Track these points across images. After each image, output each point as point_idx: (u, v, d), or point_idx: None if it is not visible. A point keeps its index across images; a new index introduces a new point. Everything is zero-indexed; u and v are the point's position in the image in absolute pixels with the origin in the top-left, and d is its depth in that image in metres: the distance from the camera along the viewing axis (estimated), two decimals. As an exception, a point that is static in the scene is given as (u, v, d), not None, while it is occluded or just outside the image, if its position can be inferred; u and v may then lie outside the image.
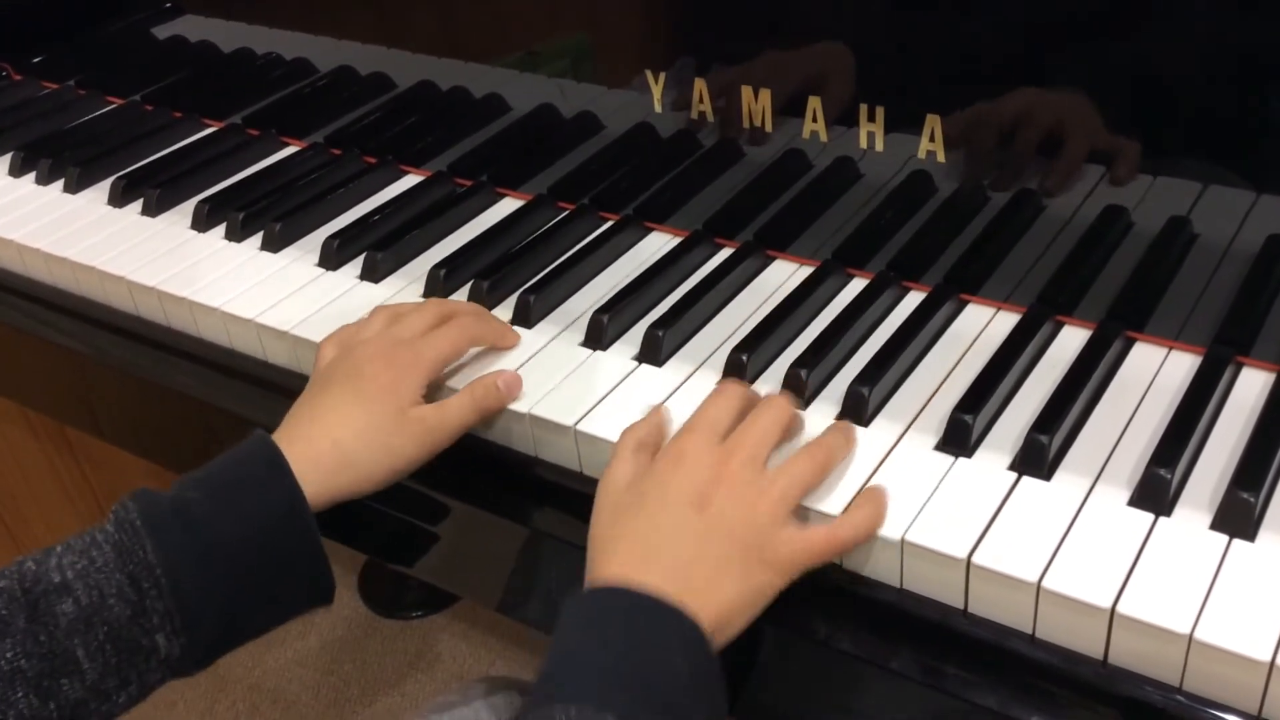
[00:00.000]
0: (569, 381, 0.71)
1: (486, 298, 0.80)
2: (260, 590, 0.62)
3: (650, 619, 0.54)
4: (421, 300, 0.80)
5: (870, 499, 0.59)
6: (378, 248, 0.86)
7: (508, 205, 0.93)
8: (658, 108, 0.84)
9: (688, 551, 0.57)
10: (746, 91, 0.79)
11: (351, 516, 0.84)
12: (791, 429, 0.64)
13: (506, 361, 0.74)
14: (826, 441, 0.61)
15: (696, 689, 0.53)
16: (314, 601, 0.65)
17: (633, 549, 0.57)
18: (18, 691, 0.55)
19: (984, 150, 0.73)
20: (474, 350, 0.74)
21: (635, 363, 0.73)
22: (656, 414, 0.65)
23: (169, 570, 0.58)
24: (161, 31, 1.13)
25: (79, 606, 0.57)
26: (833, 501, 0.60)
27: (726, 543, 0.57)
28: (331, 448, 0.65)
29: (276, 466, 0.63)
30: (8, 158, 1.07)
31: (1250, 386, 0.66)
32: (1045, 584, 0.54)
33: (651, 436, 0.63)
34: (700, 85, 0.81)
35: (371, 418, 0.66)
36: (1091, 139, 0.69)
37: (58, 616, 0.56)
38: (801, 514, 0.60)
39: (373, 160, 1.00)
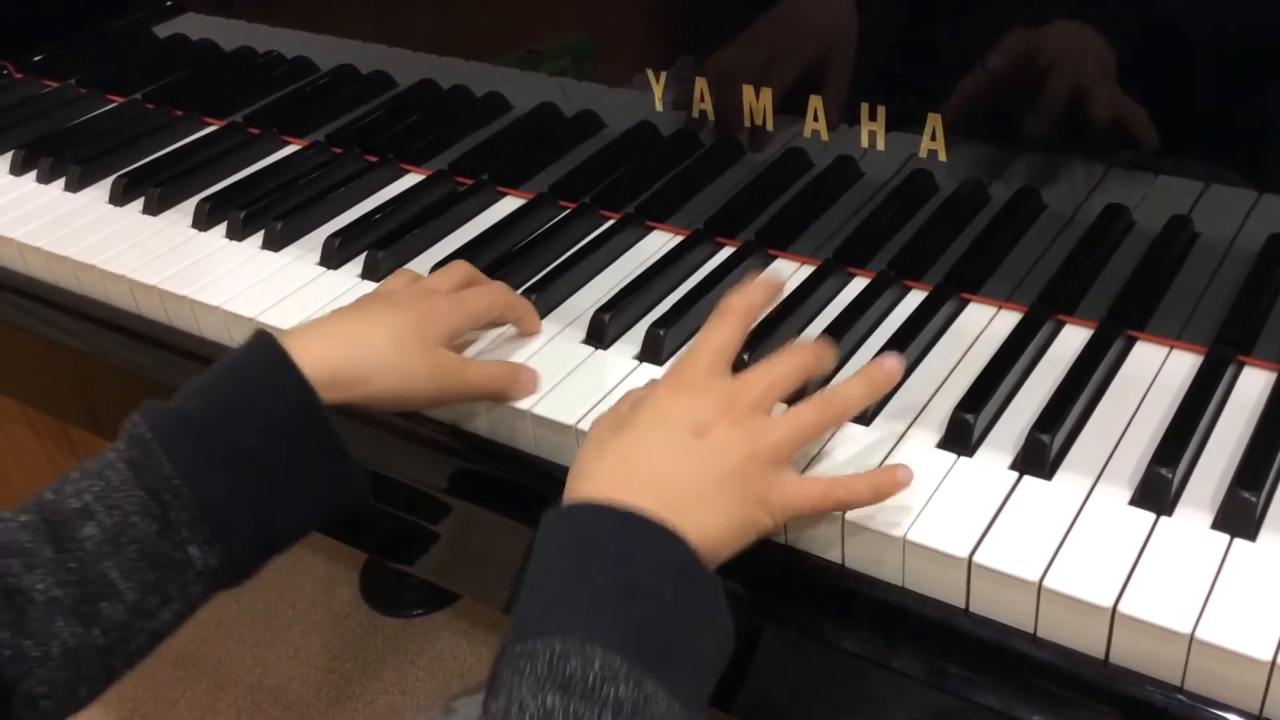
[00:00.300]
0: (571, 380, 0.71)
1: (488, 297, 0.80)
2: (285, 490, 0.60)
3: (634, 536, 0.52)
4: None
5: (880, 473, 0.58)
6: (379, 246, 0.86)
7: (509, 204, 0.93)
8: (659, 106, 0.84)
9: (679, 472, 0.55)
10: (748, 90, 0.79)
11: (352, 516, 0.84)
12: (815, 374, 0.62)
13: (502, 356, 0.74)
14: (841, 391, 0.60)
15: (688, 609, 0.52)
16: (346, 498, 0.62)
17: (619, 465, 0.56)
18: (57, 621, 0.53)
19: (985, 148, 0.73)
20: (492, 336, 0.74)
21: (637, 361, 0.73)
22: (652, 384, 0.63)
23: (188, 479, 0.56)
24: (162, 30, 1.13)
25: (102, 528, 0.55)
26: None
27: (720, 470, 0.55)
28: (351, 349, 0.63)
29: (279, 364, 0.60)
30: (9, 156, 1.07)
31: (1252, 386, 0.66)
32: (1047, 583, 0.54)
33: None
34: (701, 84, 0.81)
35: (392, 334, 0.64)
36: (1093, 136, 0.69)
37: (82, 541, 0.55)
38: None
39: (374, 159, 1.00)
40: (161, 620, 0.57)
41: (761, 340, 0.72)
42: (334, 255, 0.87)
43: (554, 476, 0.69)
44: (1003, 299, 0.74)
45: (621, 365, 0.73)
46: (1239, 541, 0.56)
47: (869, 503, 0.58)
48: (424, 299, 0.68)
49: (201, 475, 0.57)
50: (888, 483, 0.58)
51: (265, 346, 0.61)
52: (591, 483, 0.55)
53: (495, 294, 0.73)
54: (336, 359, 0.62)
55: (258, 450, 0.58)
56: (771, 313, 0.75)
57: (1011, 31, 0.69)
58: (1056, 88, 0.68)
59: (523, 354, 0.74)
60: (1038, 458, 0.61)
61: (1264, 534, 0.56)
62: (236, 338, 0.82)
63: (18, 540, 0.55)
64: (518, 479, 0.71)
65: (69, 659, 0.54)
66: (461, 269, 0.74)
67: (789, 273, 0.81)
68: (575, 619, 0.49)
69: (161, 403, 0.59)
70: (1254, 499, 0.56)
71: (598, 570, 0.51)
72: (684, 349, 0.62)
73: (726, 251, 0.83)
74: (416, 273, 0.75)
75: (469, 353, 0.74)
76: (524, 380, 0.69)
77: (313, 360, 0.61)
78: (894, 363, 0.61)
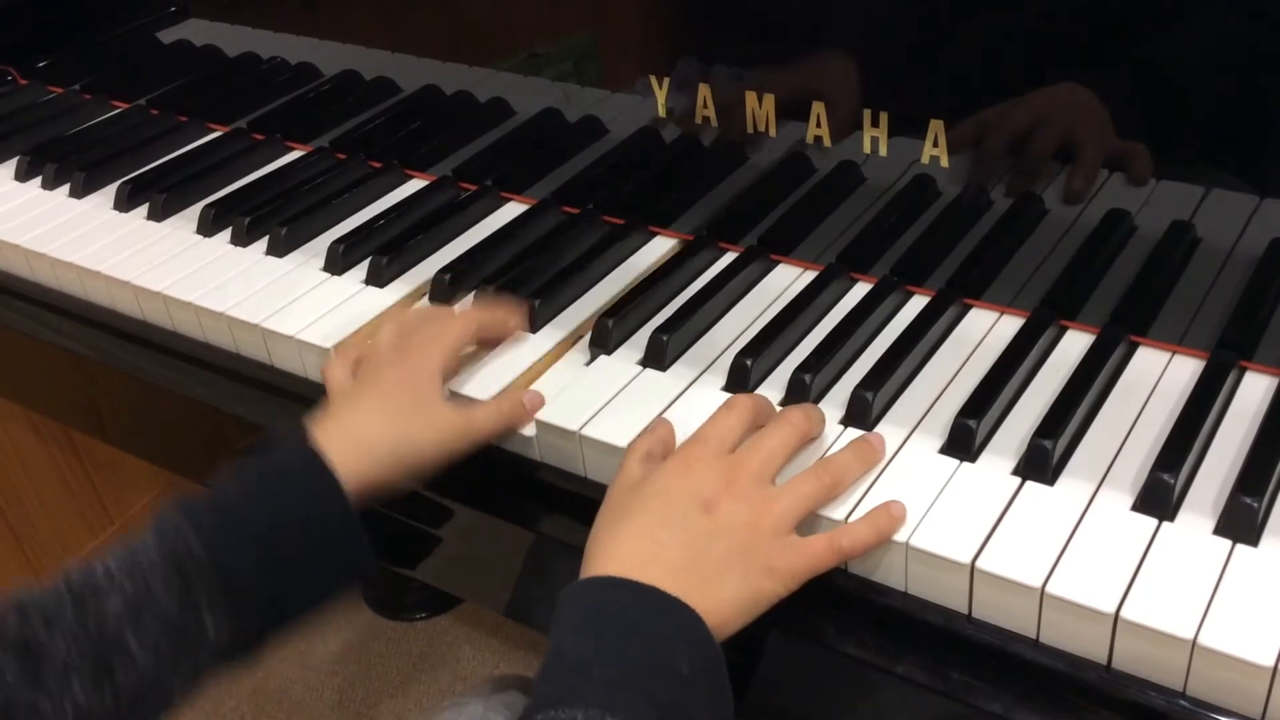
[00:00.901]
0: (574, 386, 0.71)
1: (491, 302, 0.80)
2: (303, 574, 0.63)
3: (652, 611, 0.54)
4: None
5: (876, 512, 0.59)
6: (383, 252, 0.86)
7: (512, 209, 0.93)
8: (661, 112, 0.84)
9: (690, 550, 0.57)
10: (750, 96, 0.79)
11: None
12: (809, 440, 0.64)
13: (512, 362, 0.74)
14: (838, 461, 0.61)
15: (700, 684, 0.53)
16: (357, 581, 0.66)
17: (635, 545, 0.57)
18: (73, 684, 0.55)
19: (987, 155, 0.73)
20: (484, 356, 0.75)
21: (640, 367, 0.73)
22: (663, 427, 0.65)
23: (212, 555, 0.59)
24: (167, 36, 1.13)
25: (125, 597, 0.57)
26: (834, 505, 0.60)
27: (729, 546, 0.57)
28: (355, 443, 0.65)
29: (309, 455, 0.64)
30: (13, 162, 1.07)
31: (1253, 391, 0.66)
32: (1049, 589, 0.54)
33: (658, 449, 0.63)
34: (704, 90, 0.81)
35: (389, 412, 0.67)
36: (1096, 144, 0.69)
37: (105, 608, 0.57)
38: (808, 519, 0.60)
39: (378, 165, 1.00)
40: (171, 691, 0.59)
41: (766, 345, 0.72)
42: (338, 261, 0.87)
43: (558, 483, 0.70)
44: (1005, 304, 0.75)
45: (625, 371, 0.73)
46: (1241, 547, 0.56)
47: (874, 544, 0.58)
48: (403, 352, 0.70)
49: (225, 551, 0.60)
50: (886, 521, 0.58)
51: (297, 440, 0.65)
52: (608, 562, 0.57)
53: (467, 316, 0.74)
54: (349, 453, 0.64)
55: (281, 534, 0.61)
56: (776, 318, 0.75)
57: (1015, 37, 0.69)
58: (1060, 92, 0.68)
59: (526, 361, 0.74)
60: (1040, 463, 0.61)
61: (1266, 539, 0.56)
62: (241, 343, 0.83)
63: (43, 601, 0.57)
64: (521, 484, 0.71)
65: (79, 719, 0.55)
66: (435, 308, 0.76)
67: (792, 278, 0.81)
68: (592, 690, 0.51)
69: (193, 494, 0.62)
70: (1256, 504, 0.56)
71: (615, 642, 0.53)
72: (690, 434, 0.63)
73: (729, 257, 0.83)
74: (395, 322, 0.74)
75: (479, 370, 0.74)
76: (530, 408, 0.70)
77: (334, 457, 0.64)
78: (878, 442, 0.63)
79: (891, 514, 0.58)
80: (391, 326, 0.74)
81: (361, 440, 0.66)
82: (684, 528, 0.58)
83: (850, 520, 0.59)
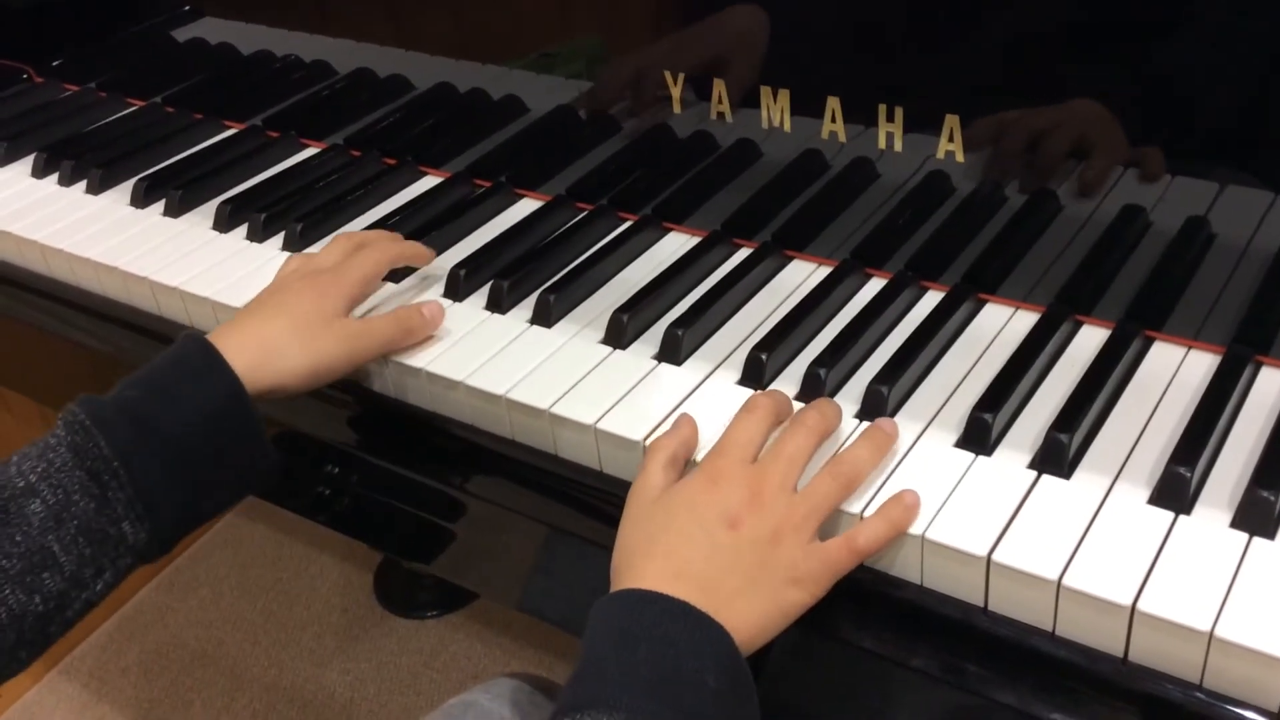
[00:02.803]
0: (589, 380, 0.72)
1: (506, 297, 0.80)
2: (211, 473, 0.66)
3: (682, 627, 0.55)
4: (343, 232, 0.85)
5: (888, 505, 0.59)
6: (398, 248, 0.86)
7: (527, 206, 0.93)
8: (676, 108, 0.84)
9: (719, 567, 0.57)
10: (765, 92, 0.79)
11: (371, 514, 0.85)
12: (827, 437, 0.64)
13: (521, 355, 0.74)
14: (852, 457, 0.61)
15: (727, 700, 0.54)
16: (261, 479, 0.69)
17: (665, 562, 0.58)
18: (4, 589, 0.59)
19: (1002, 151, 0.73)
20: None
21: (654, 361, 0.73)
22: (686, 427, 0.65)
23: (125, 462, 0.62)
24: (181, 34, 1.13)
25: (47, 505, 0.60)
26: (851, 501, 0.60)
27: (754, 559, 0.58)
28: (258, 343, 0.69)
29: (211, 358, 0.67)
30: (30, 159, 1.08)
31: (1270, 385, 0.66)
32: (1065, 581, 0.54)
33: (681, 451, 0.64)
34: (719, 86, 0.81)
35: (295, 321, 0.71)
36: (1110, 140, 0.69)
37: (29, 516, 0.60)
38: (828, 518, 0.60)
39: (392, 161, 1.00)
40: (94, 590, 0.62)
41: (781, 340, 0.72)
42: (353, 256, 0.87)
43: (573, 476, 0.70)
44: (1020, 299, 0.75)
45: (640, 365, 0.73)
46: (1258, 540, 0.56)
47: (891, 538, 0.58)
48: (313, 279, 0.74)
49: (137, 457, 0.62)
50: (900, 513, 0.59)
51: (197, 342, 0.68)
52: (639, 577, 0.58)
53: (381, 251, 0.78)
54: (246, 352, 0.68)
55: (189, 435, 0.64)
56: (790, 313, 0.75)
57: (1030, 32, 0.69)
58: (1075, 87, 0.68)
59: (541, 355, 0.74)
60: (1056, 457, 0.61)
61: (1283, 533, 0.56)
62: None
63: None
64: (536, 477, 0.71)
65: (13, 624, 0.59)
66: (343, 241, 0.79)
67: (806, 273, 0.81)
68: (619, 696, 0.52)
69: (98, 396, 0.65)
70: (1273, 498, 0.56)
71: (645, 654, 0.54)
72: (712, 441, 0.64)
73: (744, 252, 0.83)
74: (306, 254, 0.79)
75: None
76: (428, 315, 0.75)
77: (232, 355, 0.67)
78: (890, 426, 0.64)
79: (905, 504, 0.59)
80: (298, 258, 0.78)
81: (264, 342, 0.69)
82: (711, 546, 0.58)
83: (865, 514, 0.59)
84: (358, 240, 0.80)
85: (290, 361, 0.69)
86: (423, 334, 0.75)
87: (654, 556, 0.58)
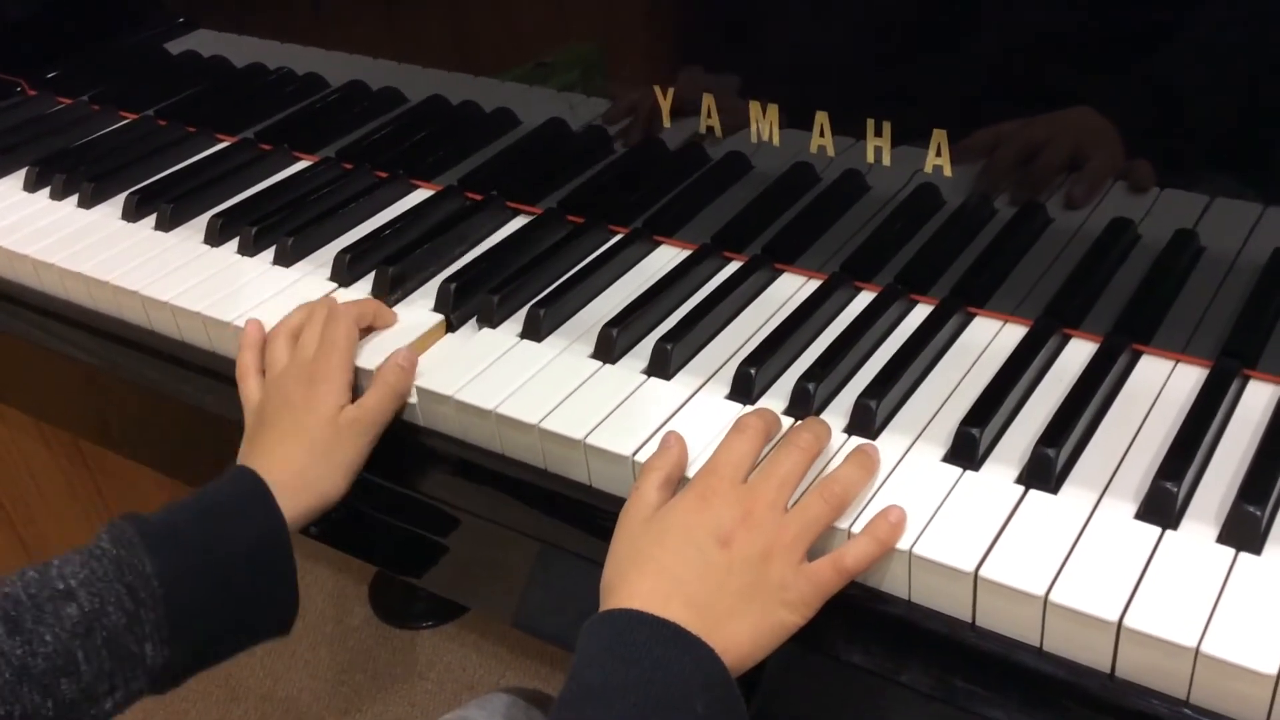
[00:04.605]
0: (578, 395, 0.72)
1: (497, 311, 0.80)
2: (239, 611, 0.66)
3: (672, 648, 0.55)
4: (304, 302, 0.83)
5: (875, 523, 0.59)
6: (389, 262, 0.86)
7: (518, 219, 0.93)
8: (666, 122, 0.84)
9: (709, 587, 0.57)
10: (754, 106, 0.79)
11: (363, 528, 0.84)
12: (820, 454, 0.64)
13: (510, 370, 0.74)
14: (841, 478, 0.61)
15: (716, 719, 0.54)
16: (280, 628, 0.69)
17: (657, 581, 0.58)
18: (24, 688, 0.58)
19: (991, 164, 0.73)
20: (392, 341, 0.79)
21: (644, 376, 0.73)
22: (676, 447, 0.65)
23: (164, 583, 0.62)
24: (174, 47, 1.13)
25: (82, 611, 0.60)
26: (840, 519, 0.60)
27: (746, 580, 0.58)
28: (290, 476, 0.70)
29: (260, 495, 0.68)
30: (22, 173, 1.08)
31: (1257, 399, 0.66)
32: (1052, 597, 0.54)
33: (675, 472, 0.64)
34: (709, 99, 0.81)
35: (313, 440, 0.71)
36: (1099, 152, 0.69)
37: (63, 619, 0.60)
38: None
39: (384, 175, 1.00)
40: (103, 709, 0.61)
41: (770, 353, 0.72)
42: (345, 271, 0.88)
43: (562, 491, 0.70)
44: (1008, 313, 0.75)
45: (629, 380, 0.73)
46: (1244, 555, 0.56)
47: (878, 555, 0.58)
48: (310, 381, 0.74)
49: (177, 582, 0.62)
50: (886, 530, 0.59)
51: (249, 479, 0.68)
52: (630, 597, 0.58)
53: (345, 318, 0.77)
54: (285, 487, 0.69)
55: (228, 571, 0.65)
56: (780, 327, 0.75)
57: (1018, 46, 0.69)
58: (1064, 101, 0.69)
59: (531, 369, 0.74)
60: (1044, 472, 0.61)
61: (1269, 548, 0.56)
62: (248, 353, 0.83)
63: (2, 608, 0.59)
64: (526, 493, 0.71)
65: None
66: (319, 316, 0.78)
67: (796, 286, 0.81)
68: (608, 717, 0.52)
69: (147, 514, 0.65)
70: (1259, 513, 0.56)
71: (635, 676, 0.54)
72: (704, 457, 0.64)
73: (734, 266, 0.83)
74: (288, 329, 0.79)
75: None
76: (406, 363, 0.75)
77: (275, 490, 0.68)
78: (872, 450, 0.64)
79: (890, 521, 0.59)
80: (284, 339, 0.78)
81: (296, 472, 0.70)
82: (703, 564, 0.58)
83: (853, 530, 0.59)
84: (323, 309, 0.79)
85: (324, 484, 0.71)
86: (408, 385, 0.75)
87: (645, 575, 0.58)
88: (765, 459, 0.63)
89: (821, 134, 0.78)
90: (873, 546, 0.58)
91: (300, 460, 0.70)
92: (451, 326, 0.82)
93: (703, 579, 0.58)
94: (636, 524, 0.61)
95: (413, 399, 0.75)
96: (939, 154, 0.73)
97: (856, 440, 0.66)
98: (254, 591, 0.66)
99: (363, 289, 0.86)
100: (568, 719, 0.53)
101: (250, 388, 0.77)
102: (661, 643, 0.55)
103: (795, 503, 0.61)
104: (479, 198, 0.95)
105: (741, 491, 0.61)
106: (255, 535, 0.66)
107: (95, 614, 0.60)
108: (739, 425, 0.64)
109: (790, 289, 0.81)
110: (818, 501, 0.60)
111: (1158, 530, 0.58)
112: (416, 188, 1.00)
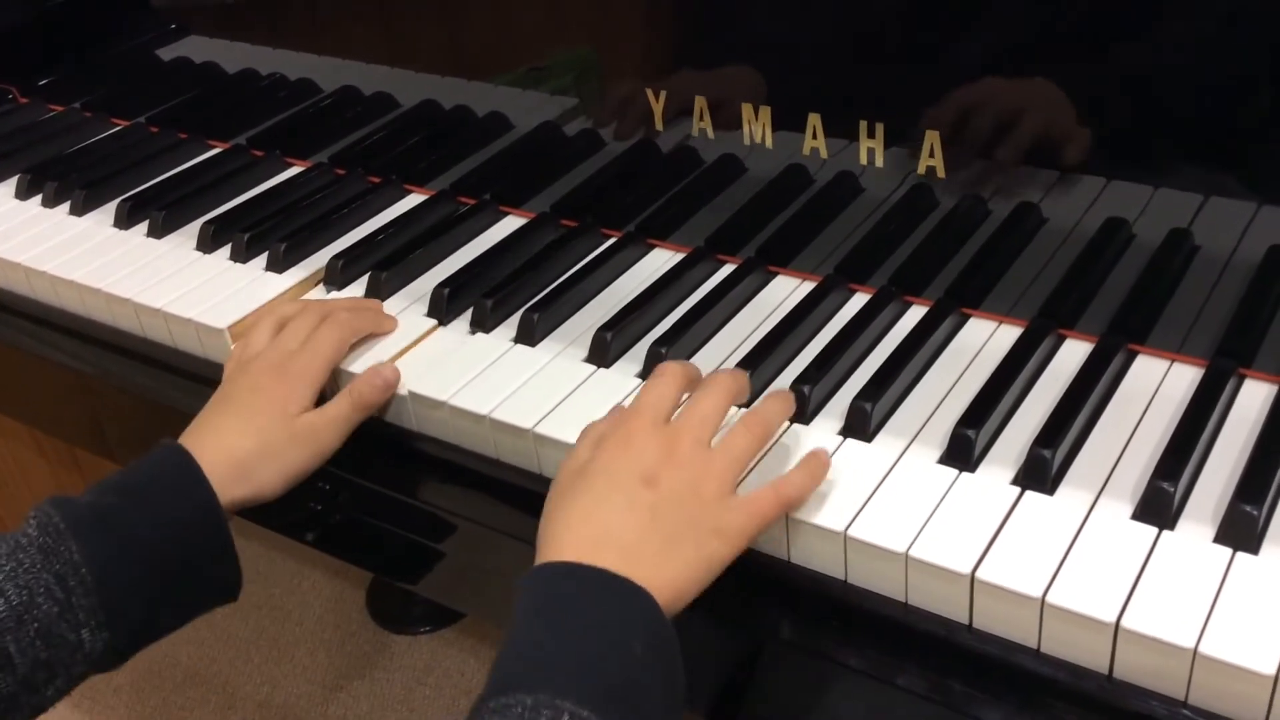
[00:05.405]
0: (573, 399, 0.71)
1: (490, 316, 0.80)
2: (177, 588, 0.65)
3: (604, 598, 0.54)
4: (303, 300, 0.82)
5: (808, 459, 0.61)
6: (382, 267, 0.86)
7: (511, 223, 0.93)
8: (659, 125, 0.84)
9: (638, 527, 0.57)
10: (747, 108, 0.79)
11: (358, 535, 0.84)
12: (738, 401, 0.65)
13: (504, 374, 0.74)
14: (762, 411, 0.63)
15: (654, 664, 0.53)
16: (224, 597, 0.68)
17: (584, 529, 0.58)
18: None
19: (983, 162, 0.73)
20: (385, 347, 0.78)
21: (639, 380, 0.73)
22: (618, 409, 0.65)
23: (93, 569, 0.61)
24: (167, 53, 1.13)
25: (10, 606, 0.59)
26: (833, 516, 0.60)
27: (676, 517, 0.58)
28: (230, 463, 0.68)
29: (189, 473, 0.66)
30: (14, 180, 1.07)
31: (1253, 398, 0.66)
32: (1049, 599, 0.54)
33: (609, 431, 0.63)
34: (701, 102, 0.81)
35: (264, 433, 0.70)
36: (1091, 149, 0.69)
37: None
38: (798, 527, 0.60)
39: (377, 180, 1.00)
40: (44, 696, 0.61)
41: (765, 356, 0.72)
42: (338, 276, 0.87)
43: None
44: (1003, 314, 0.75)
45: (624, 384, 0.73)
46: (1241, 555, 0.56)
47: (812, 488, 0.60)
48: (283, 371, 0.73)
49: (108, 565, 0.62)
50: (818, 466, 0.61)
51: (176, 452, 0.67)
52: (561, 548, 0.57)
53: (342, 326, 0.76)
54: (219, 467, 0.67)
55: (159, 550, 0.64)
56: (774, 329, 0.75)
57: (1010, 45, 0.69)
58: (1055, 99, 0.69)
59: (525, 374, 0.74)
60: (1040, 473, 0.61)
61: (1266, 547, 0.56)
62: (241, 359, 0.83)
63: None
64: (521, 497, 0.71)
65: None
66: (314, 311, 0.77)
67: (790, 289, 0.81)
68: (546, 675, 0.51)
69: (73, 497, 0.64)
70: (1256, 512, 0.56)
71: (569, 628, 0.53)
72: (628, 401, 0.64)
73: (728, 269, 0.83)
74: (278, 316, 0.78)
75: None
76: (384, 382, 0.73)
77: (208, 468, 0.67)
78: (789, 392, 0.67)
79: (820, 460, 0.61)
80: (270, 324, 0.77)
81: (237, 460, 0.68)
82: (630, 505, 0.58)
83: (849, 529, 0.59)
84: (325, 310, 0.78)
85: (262, 482, 0.69)
86: (381, 402, 0.74)
87: (572, 525, 0.58)
88: (685, 402, 0.63)
89: (814, 136, 0.78)
90: (808, 479, 0.60)
91: (245, 451, 0.69)
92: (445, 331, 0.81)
93: (629, 522, 0.57)
94: (566, 477, 0.61)
95: (407, 404, 0.74)
96: (932, 155, 0.73)
97: (854, 443, 0.65)
98: (189, 569, 0.65)
99: (355, 293, 0.86)
100: (501, 682, 0.51)
101: (229, 364, 0.76)
102: (591, 592, 0.55)
103: (720, 440, 0.61)
104: (472, 202, 0.95)
105: (664, 431, 0.61)
106: (186, 512, 0.65)
107: (25, 606, 0.59)
108: (659, 370, 0.65)
109: (784, 291, 0.81)
110: (743, 433, 0.61)
111: (1154, 530, 0.57)
112: (409, 192, 1.00)
